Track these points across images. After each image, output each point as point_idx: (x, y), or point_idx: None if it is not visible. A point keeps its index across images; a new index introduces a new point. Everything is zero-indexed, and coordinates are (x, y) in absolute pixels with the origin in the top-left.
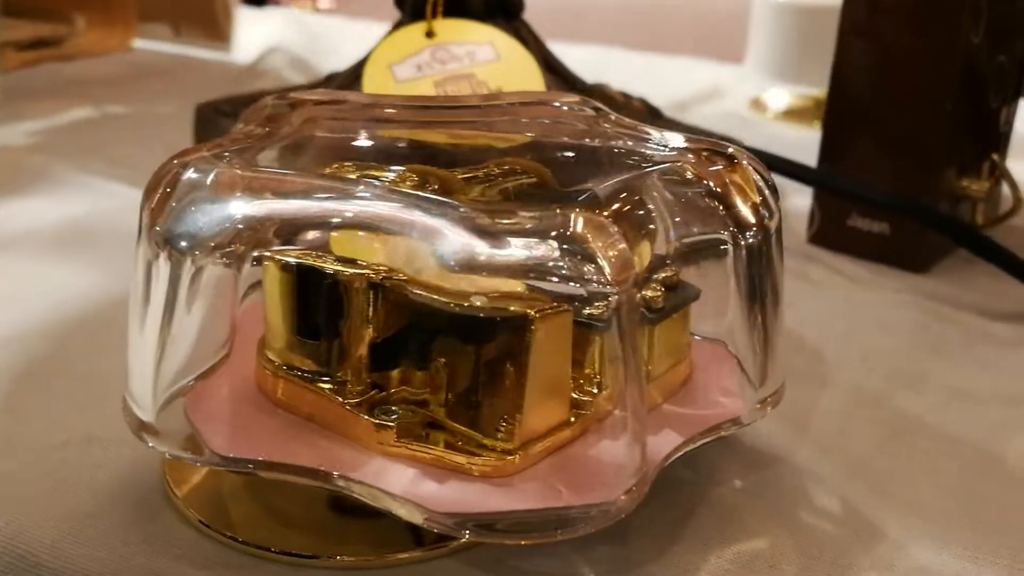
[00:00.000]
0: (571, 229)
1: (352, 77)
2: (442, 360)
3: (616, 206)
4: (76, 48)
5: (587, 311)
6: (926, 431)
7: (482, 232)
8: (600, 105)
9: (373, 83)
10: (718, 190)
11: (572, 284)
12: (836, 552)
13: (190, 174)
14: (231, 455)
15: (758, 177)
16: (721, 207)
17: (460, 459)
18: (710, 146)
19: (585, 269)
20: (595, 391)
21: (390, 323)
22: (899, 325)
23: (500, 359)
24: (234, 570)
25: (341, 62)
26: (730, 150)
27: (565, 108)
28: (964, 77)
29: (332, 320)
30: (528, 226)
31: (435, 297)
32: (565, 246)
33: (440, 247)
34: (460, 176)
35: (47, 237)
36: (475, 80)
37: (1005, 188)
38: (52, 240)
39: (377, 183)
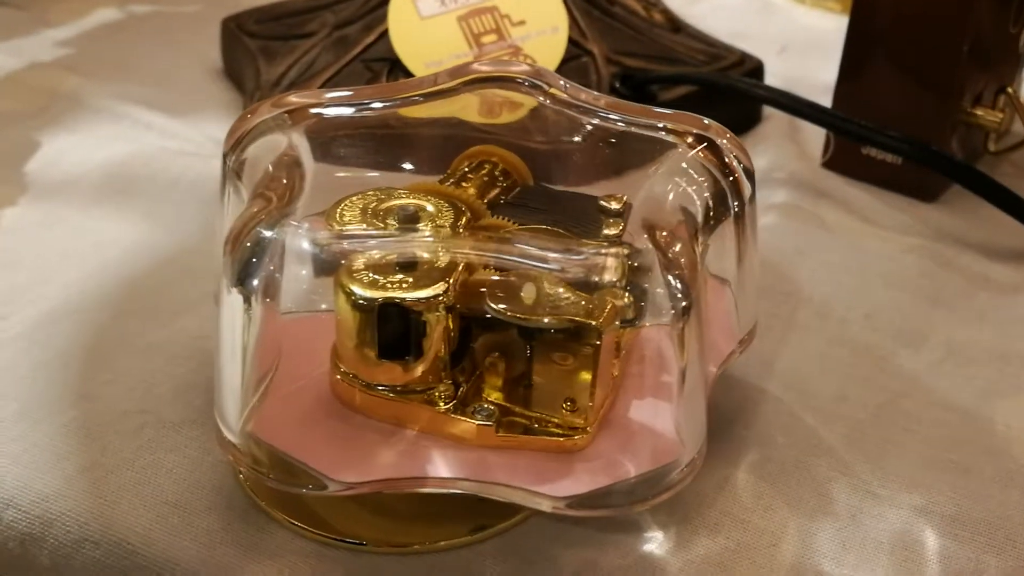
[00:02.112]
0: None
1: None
2: (515, 354)
3: (673, 220)
4: None
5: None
6: (920, 394)
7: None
8: (556, 79)
9: (398, 19)
10: (707, 170)
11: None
12: (818, 517)
13: (266, 233)
14: (355, 480)
15: (734, 157)
16: (711, 181)
17: (546, 441)
18: (694, 128)
19: (661, 292)
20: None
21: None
22: (903, 274)
23: (569, 355)
24: (303, 557)
25: None
26: (715, 137)
27: (524, 84)
28: (986, 5)
29: (416, 342)
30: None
31: (514, 313)
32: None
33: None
34: (464, 184)
35: (92, 183)
36: (498, 13)
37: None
38: (97, 186)
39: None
